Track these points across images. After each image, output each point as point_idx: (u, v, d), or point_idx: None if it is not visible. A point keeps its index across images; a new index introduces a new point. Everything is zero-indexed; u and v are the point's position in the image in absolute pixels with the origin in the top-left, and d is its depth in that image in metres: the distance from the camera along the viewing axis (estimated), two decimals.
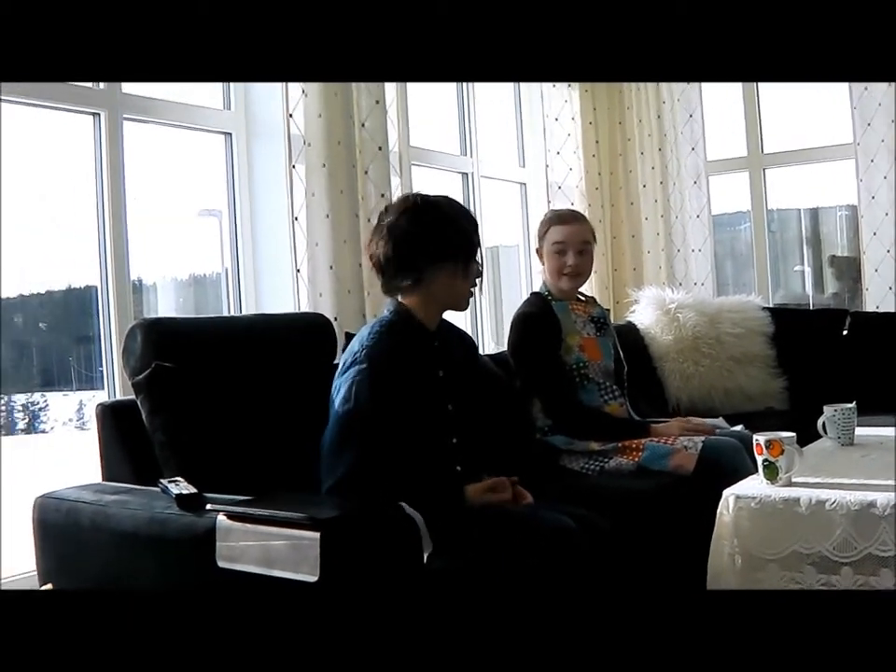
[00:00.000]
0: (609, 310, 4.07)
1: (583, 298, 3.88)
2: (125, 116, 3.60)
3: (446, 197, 2.84)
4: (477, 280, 2.81)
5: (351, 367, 2.62)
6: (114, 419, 2.78)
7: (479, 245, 2.79)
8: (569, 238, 3.73)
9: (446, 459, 2.69)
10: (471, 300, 2.88)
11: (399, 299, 2.77)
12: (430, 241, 2.69)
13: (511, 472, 2.76)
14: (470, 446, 2.77)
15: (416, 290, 2.73)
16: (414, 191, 2.84)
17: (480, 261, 2.80)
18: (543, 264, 3.82)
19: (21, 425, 3.71)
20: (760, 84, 6.04)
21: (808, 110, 6.10)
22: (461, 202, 5.15)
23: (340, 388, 2.62)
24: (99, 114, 3.54)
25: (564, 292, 3.76)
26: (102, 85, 3.52)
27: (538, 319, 3.69)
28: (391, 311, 2.76)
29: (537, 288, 3.91)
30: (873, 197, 5.35)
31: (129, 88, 3.61)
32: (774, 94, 6.11)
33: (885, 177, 5.30)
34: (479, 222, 2.87)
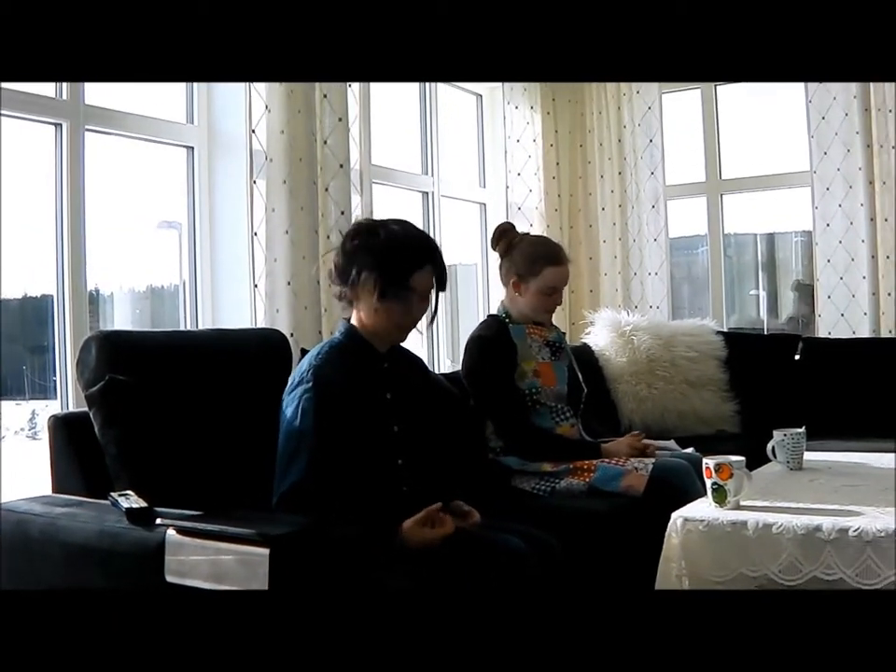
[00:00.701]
0: (565, 333, 4.08)
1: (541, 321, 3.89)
2: (87, 127, 3.60)
3: (392, 225, 2.78)
4: (414, 313, 2.76)
5: (298, 386, 2.65)
6: (66, 431, 2.77)
7: (408, 280, 2.69)
8: (562, 282, 3.74)
9: (391, 480, 2.69)
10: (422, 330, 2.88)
11: (351, 321, 2.79)
12: (351, 268, 2.71)
13: (462, 492, 2.77)
14: (418, 467, 2.77)
15: (355, 313, 2.77)
16: (366, 217, 2.85)
17: (406, 297, 2.71)
18: (519, 294, 3.73)
19: None
20: (719, 110, 6.12)
21: (766, 137, 6.18)
22: (420, 221, 5.22)
23: (287, 406, 2.65)
24: (61, 124, 3.53)
25: (525, 316, 3.76)
26: (64, 95, 3.52)
27: (492, 342, 3.68)
28: (342, 332, 2.80)
29: (493, 310, 3.91)
30: (827, 224, 5.42)
31: (91, 99, 3.60)
32: (733, 121, 6.18)
33: (840, 205, 5.38)
34: (437, 244, 2.81)
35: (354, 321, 2.79)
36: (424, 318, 2.83)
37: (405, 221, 2.86)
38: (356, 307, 2.77)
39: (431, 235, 2.92)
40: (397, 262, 2.69)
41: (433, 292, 2.80)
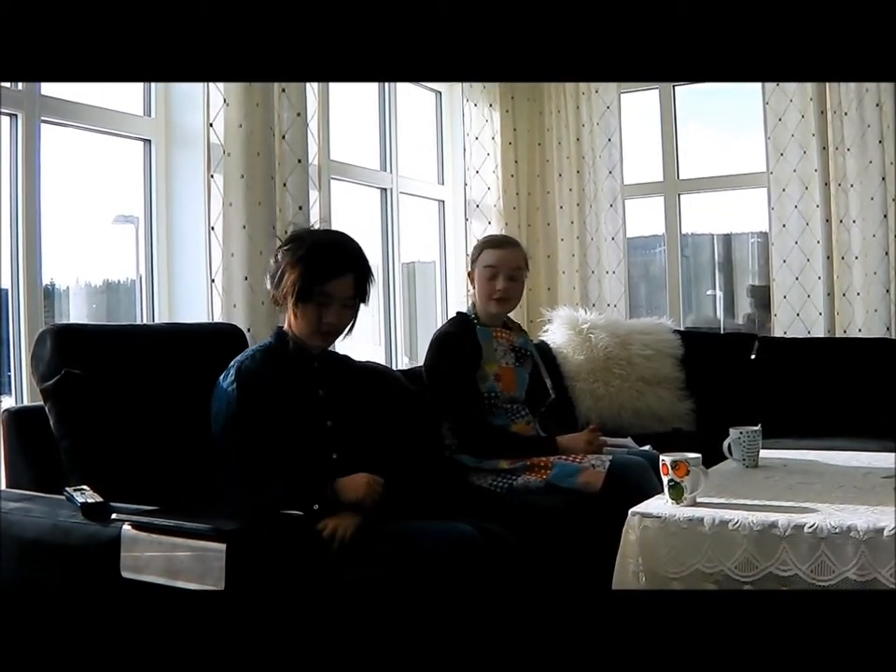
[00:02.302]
0: (532, 341, 4.08)
1: (510, 325, 3.90)
2: (43, 118, 3.55)
3: (321, 233, 2.95)
4: (330, 319, 2.81)
5: (223, 382, 2.76)
6: (19, 425, 2.75)
7: (325, 286, 2.78)
8: (500, 262, 3.73)
9: (324, 474, 2.72)
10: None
11: (284, 327, 2.87)
12: (278, 271, 2.82)
13: (417, 489, 2.80)
14: (353, 462, 2.80)
15: (286, 318, 2.86)
16: (303, 226, 3.05)
17: (322, 301, 2.79)
18: (474, 287, 3.83)
19: None
20: (677, 110, 6.14)
21: (723, 138, 6.22)
22: (378, 217, 5.23)
23: (214, 404, 2.76)
24: (16, 115, 3.48)
25: (491, 317, 3.78)
26: (20, 85, 3.47)
27: (456, 339, 3.70)
28: (272, 336, 2.91)
29: (461, 308, 3.93)
30: (784, 225, 5.47)
31: (48, 90, 3.56)
32: (691, 121, 6.22)
33: (795, 206, 5.42)
34: (364, 256, 2.90)
35: (285, 326, 2.87)
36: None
37: (338, 231, 2.99)
38: (285, 311, 2.85)
39: (356, 247, 2.93)
40: (315, 267, 2.78)
41: (356, 302, 2.88)
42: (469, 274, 3.86)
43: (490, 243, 3.82)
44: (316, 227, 2.97)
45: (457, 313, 3.93)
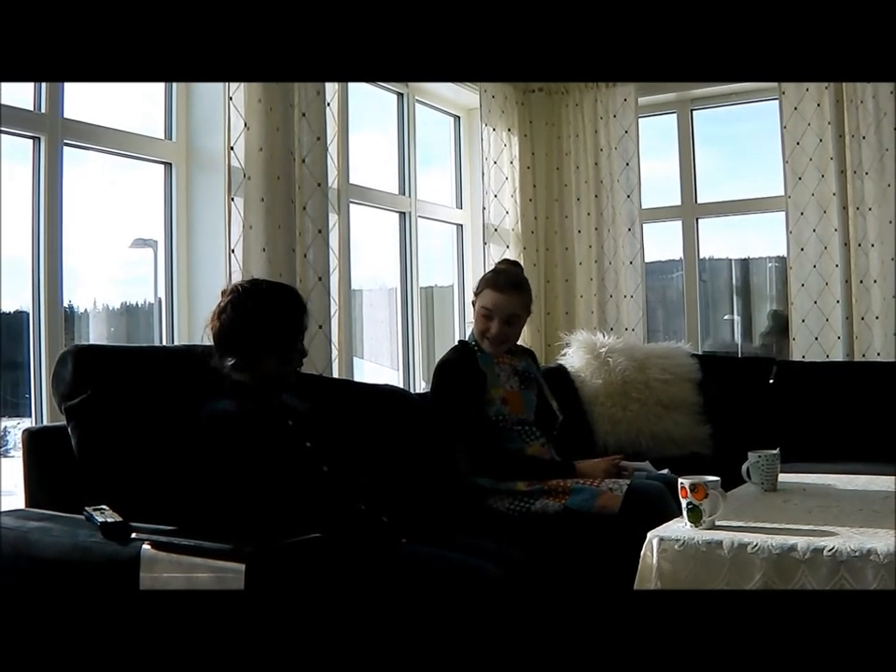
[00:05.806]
0: (535, 362, 4.06)
1: (513, 349, 3.88)
2: (65, 141, 3.59)
3: (277, 285, 3.05)
4: (303, 359, 3.00)
5: (202, 439, 2.73)
6: (40, 445, 2.76)
7: (302, 331, 2.97)
8: (496, 308, 3.71)
9: (319, 488, 2.77)
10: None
11: (234, 377, 2.87)
12: (251, 331, 2.85)
13: (435, 512, 2.80)
14: (346, 473, 2.89)
15: (244, 370, 2.86)
16: (253, 278, 3.07)
17: (301, 345, 2.97)
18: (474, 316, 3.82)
19: None
20: (695, 134, 6.17)
21: (741, 162, 6.23)
22: (397, 241, 5.26)
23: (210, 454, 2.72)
24: (39, 138, 3.52)
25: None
26: (43, 109, 3.51)
27: (458, 366, 3.70)
28: (229, 390, 2.85)
29: (468, 334, 3.93)
30: (802, 249, 5.47)
31: (70, 113, 3.60)
32: (709, 145, 6.23)
33: (814, 230, 5.43)
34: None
35: (235, 376, 2.87)
36: None
37: (284, 286, 3.10)
38: (240, 368, 2.86)
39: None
40: (297, 322, 2.95)
41: None
42: (473, 303, 3.84)
43: (493, 284, 3.75)
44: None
45: (459, 341, 3.93)
